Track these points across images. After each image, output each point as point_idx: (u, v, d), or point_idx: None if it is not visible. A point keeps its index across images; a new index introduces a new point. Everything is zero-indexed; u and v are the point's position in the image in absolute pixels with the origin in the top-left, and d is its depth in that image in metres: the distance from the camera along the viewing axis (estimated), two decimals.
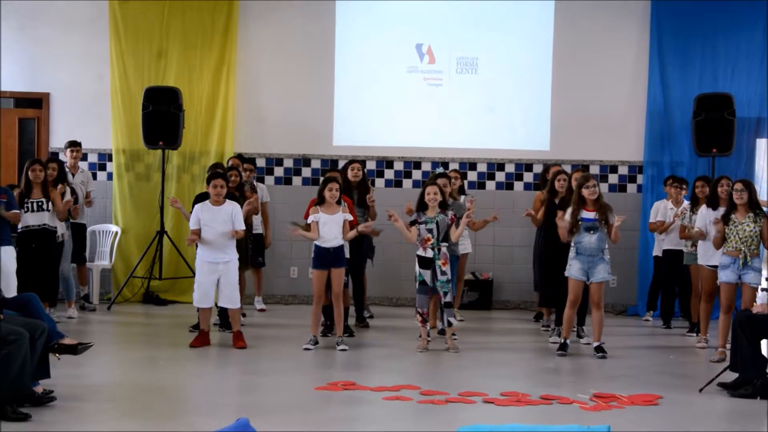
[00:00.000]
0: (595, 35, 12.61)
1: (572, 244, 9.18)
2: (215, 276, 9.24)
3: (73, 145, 11.79)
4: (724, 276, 9.03)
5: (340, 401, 7.28)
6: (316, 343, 9.33)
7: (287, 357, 9.01)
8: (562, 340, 9.28)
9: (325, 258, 9.29)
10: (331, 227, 9.23)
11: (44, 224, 10.16)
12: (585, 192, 9.09)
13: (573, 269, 9.16)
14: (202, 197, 9.69)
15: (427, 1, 12.77)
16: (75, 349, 7.18)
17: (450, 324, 9.33)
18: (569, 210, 9.18)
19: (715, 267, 9.37)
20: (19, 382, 6.45)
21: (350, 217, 9.37)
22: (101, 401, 7.15)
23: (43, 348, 6.84)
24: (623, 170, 12.61)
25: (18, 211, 9.49)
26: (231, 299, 9.33)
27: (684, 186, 11.16)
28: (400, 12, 12.81)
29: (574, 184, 9.63)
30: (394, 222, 9.25)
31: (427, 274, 9.29)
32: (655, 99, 12.45)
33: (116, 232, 12.43)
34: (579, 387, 7.78)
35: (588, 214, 9.08)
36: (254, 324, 10.77)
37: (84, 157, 12.38)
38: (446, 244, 9.29)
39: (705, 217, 9.59)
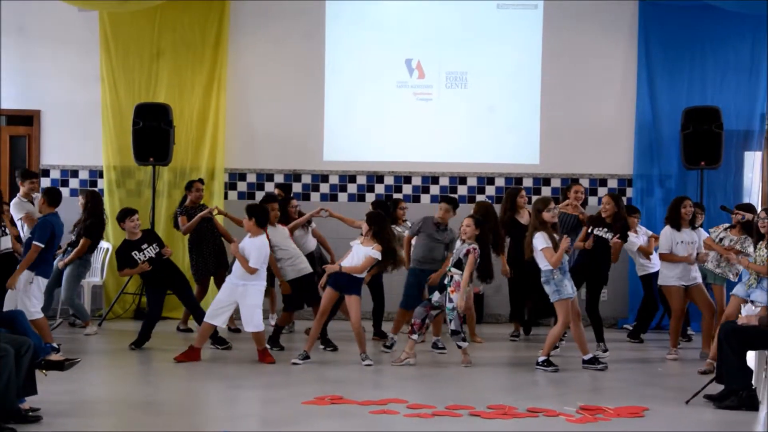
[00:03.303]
0: (583, 49, 12.66)
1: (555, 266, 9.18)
2: (233, 298, 9.39)
3: (30, 176, 11.54)
4: (737, 290, 9.12)
5: (326, 415, 7.29)
6: (306, 357, 9.35)
7: (276, 371, 9.02)
8: (543, 358, 9.24)
9: (339, 280, 9.36)
10: (356, 255, 9.33)
11: (8, 248, 10.01)
12: (546, 216, 9.17)
13: (568, 290, 9.12)
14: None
15: (417, 17, 12.85)
16: (62, 366, 7.18)
17: (460, 347, 9.38)
18: (544, 236, 9.17)
19: (682, 285, 9.84)
20: (4, 398, 6.47)
21: (376, 255, 9.32)
22: (88, 417, 7.16)
23: (30, 364, 6.85)
24: (612, 183, 12.66)
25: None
26: (248, 322, 9.40)
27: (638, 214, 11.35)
28: (390, 27, 12.88)
29: (601, 208, 10.05)
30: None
31: (436, 296, 9.41)
32: (644, 111, 12.51)
33: (107, 249, 12.44)
34: (566, 400, 7.79)
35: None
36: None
37: (75, 174, 12.43)
38: (459, 271, 9.30)
39: (670, 238, 9.81)
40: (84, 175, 12.81)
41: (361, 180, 12.68)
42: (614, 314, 12.48)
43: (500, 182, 12.74)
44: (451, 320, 9.27)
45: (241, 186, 12.74)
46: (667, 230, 9.90)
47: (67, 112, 12.81)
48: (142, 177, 12.69)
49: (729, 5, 11.60)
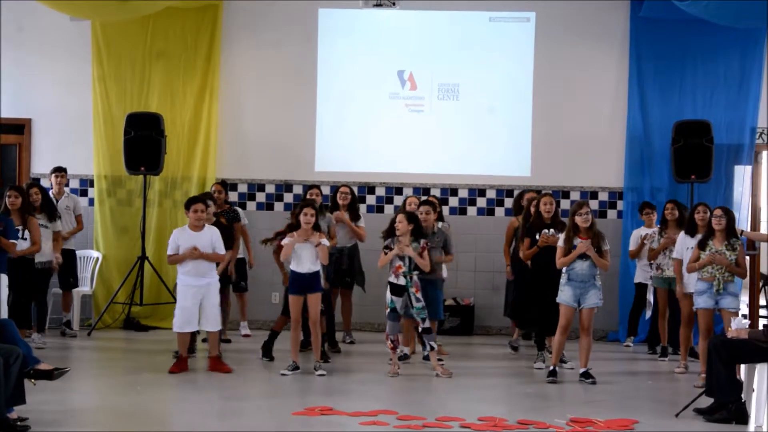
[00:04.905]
0: (574, 62, 12.68)
1: (564, 270, 9.20)
2: (198, 299, 9.32)
3: (59, 170, 11.79)
4: (702, 302, 9.09)
5: (316, 426, 7.27)
6: (296, 368, 9.33)
7: (266, 382, 9.02)
8: (552, 367, 9.25)
9: (300, 283, 9.34)
10: (305, 253, 9.27)
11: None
12: (578, 219, 9.12)
13: (565, 295, 9.16)
14: None
15: (409, 29, 12.87)
16: (51, 375, 7.18)
17: (432, 348, 9.35)
18: (562, 236, 9.22)
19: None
20: None
21: (326, 243, 9.40)
22: (77, 426, 7.13)
23: (19, 373, 6.82)
24: (603, 196, 12.67)
25: (15, 241, 9.23)
26: (212, 321, 9.37)
27: (653, 211, 11.33)
28: (382, 38, 12.89)
29: (543, 208, 9.90)
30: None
31: (398, 302, 9.36)
32: (635, 125, 12.51)
33: (97, 258, 12.41)
34: (556, 412, 7.79)
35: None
36: (238, 349, 10.75)
37: (66, 183, 12.38)
38: (418, 272, 9.32)
39: (683, 244, 9.68)
40: (74, 183, 12.77)
41: None
42: (604, 326, 12.46)
43: (491, 194, 12.75)
44: (423, 319, 9.28)
45: (233, 196, 12.70)
46: (681, 235, 9.84)
47: (58, 121, 12.78)
48: (133, 186, 12.65)
49: (722, 21, 11.62)
